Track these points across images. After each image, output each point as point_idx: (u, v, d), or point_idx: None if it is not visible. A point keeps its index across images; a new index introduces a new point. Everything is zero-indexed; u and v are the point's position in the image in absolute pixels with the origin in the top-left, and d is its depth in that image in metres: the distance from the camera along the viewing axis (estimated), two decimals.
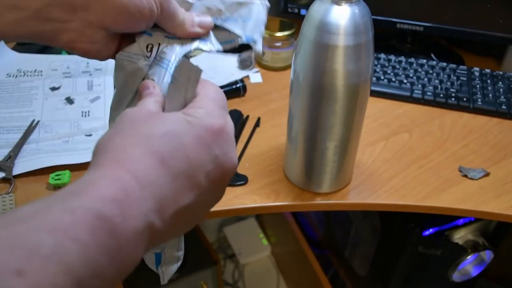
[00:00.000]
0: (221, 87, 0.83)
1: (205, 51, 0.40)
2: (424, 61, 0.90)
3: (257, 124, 0.77)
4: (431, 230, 0.77)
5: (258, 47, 0.41)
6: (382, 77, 0.86)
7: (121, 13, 0.35)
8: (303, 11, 1.00)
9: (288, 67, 0.94)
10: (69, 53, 0.92)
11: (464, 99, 0.82)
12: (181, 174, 0.29)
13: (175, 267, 0.43)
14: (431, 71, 0.88)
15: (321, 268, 1.11)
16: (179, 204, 0.29)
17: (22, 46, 0.91)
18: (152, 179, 0.27)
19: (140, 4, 0.35)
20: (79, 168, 0.66)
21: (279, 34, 0.90)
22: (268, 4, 0.42)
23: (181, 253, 0.43)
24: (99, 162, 0.28)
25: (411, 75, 0.87)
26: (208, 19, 0.40)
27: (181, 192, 0.29)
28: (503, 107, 0.80)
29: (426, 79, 0.86)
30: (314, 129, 0.56)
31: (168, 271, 0.43)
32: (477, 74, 0.88)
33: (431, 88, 0.84)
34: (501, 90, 0.84)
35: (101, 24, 0.36)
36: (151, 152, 0.28)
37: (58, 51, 0.92)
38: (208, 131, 0.31)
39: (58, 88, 0.78)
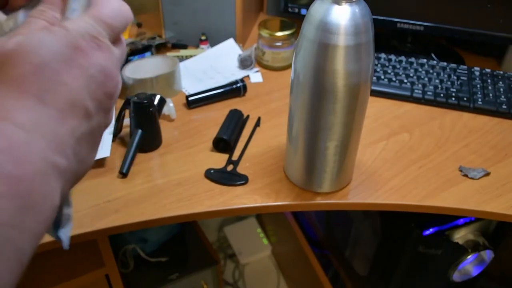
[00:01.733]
0: (222, 86, 0.83)
1: None
2: (425, 60, 0.90)
3: (257, 124, 0.77)
4: (431, 230, 0.77)
5: None
6: (383, 77, 0.86)
7: None
8: (303, 11, 1.00)
9: (289, 66, 0.94)
10: None
11: (465, 99, 0.82)
12: (65, 105, 0.27)
13: (70, 226, 0.40)
14: (431, 71, 0.88)
15: (321, 268, 1.11)
16: (76, 136, 0.28)
17: None
18: (35, 120, 0.26)
19: None
20: None
21: (279, 33, 0.90)
22: None
23: (70, 210, 0.40)
24: None
25: (411, 74, 0.87)
26: None
27: (73, 123, 0.28)
28: (504, 107, 0.80)
29: (426, 79, 0.86)
30: (315, 129, 0.56)
31: (66, 234, 0.40)
32: (477, 74, 0.88)
33: (431, 88, 0.84)
34: (501, 90, 0.84)
35: None
36: (25, 94, 0.26)
37: None
38: (77, 50, 0.28)
39: None
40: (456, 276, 0.81)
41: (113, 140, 0.72)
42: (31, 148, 0.25)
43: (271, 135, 0.74)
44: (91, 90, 0.29)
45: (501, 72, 0.88)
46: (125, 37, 1.01)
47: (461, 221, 0.78)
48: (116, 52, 0.31)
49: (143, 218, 0.59)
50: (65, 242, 0.34)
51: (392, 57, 0.91)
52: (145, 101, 0.68)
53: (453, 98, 0.82)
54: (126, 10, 0.32)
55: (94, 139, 0.30)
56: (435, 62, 0.90)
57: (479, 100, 0.82)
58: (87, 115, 0.29)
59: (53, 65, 0.27)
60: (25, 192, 0.24)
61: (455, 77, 0.87)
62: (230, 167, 0.67)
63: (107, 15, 0.30)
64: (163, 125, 0.76)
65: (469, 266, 0.80)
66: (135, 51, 0.92)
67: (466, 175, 0.67)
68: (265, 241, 1.51)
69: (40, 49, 0.27)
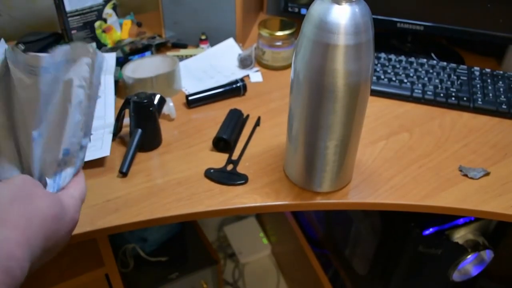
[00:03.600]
0: (221, 86, 0.83)
1: None
2: (425, 60, 0.90)
3: (257, 124, 0.77)
4: (431, 229, 0.77)
5: None
6: (383, 77, 0.86)
7: None
8: (303, 10, 1.00)
9: (289, 66, 0.94)
10: None
11: (465, 98, 0.82)
12: (41, 252, 0.37)
13: None
14: (431, 71, 0.88)
15: (321, 267, 1.11)
16: (35, 256, 0.36)
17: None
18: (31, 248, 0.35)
19: None
20: None
21: (279, 33, 0.90)
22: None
23: None
24: None
25: (411, 74, 0.87)
26: None
27: (38, 252, 0.36)
28: (503, 106, 0.80)
29: (426, 79, 0.86)
30: (315, 129, 0.56)
31: None
32: (477, 73, 0.88)
33: (431, 87, 0.84)
34: (501, 89, 0.84)
35: None
36: (28, 234, 0.35)
37: None
38: (72, 222, 0.41)
39: None
40: (456, 276, 0.81)
41: (113, 140, 0.72)
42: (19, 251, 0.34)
43: (271, 134, 0.74)
44: (52, 243, 0.39)
45: (501, 72, 0.88)
46: (125, 37, 1.01)
47: (461, 220, 0.78)
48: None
49: (143, 218, 0.59)
50: None
51: (392, 56, 0.91)
52: (145, 101, 0.68)
53: (453, 98, 0.82)
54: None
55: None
56: (435, 62, 0.90)
57: (479, 99, 0.82)
58: (46, 253, 0.38)
59: (51, 225, 0.38)
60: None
61: (455, 77, 0.87)
62: (230, 167, 0.67)
63: (83, 190, 0.45)
64: (163, 124, 0.76)
65: (469, 265, 0.80)
66: (135, 51, 0.92)
67: (466, 175, 0.67)
68: (265, 240, 1.51)
69: (54, 208, 0.39)
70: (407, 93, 0.84)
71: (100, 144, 0.68)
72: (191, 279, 1.08)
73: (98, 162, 0.67)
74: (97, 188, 0.63)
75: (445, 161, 0.70)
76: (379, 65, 0.90)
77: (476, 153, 0.72)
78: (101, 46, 0.96)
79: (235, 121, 0.74)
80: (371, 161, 0.69)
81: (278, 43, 0.91)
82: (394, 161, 0.70)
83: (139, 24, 1.08)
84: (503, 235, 0.85)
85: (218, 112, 0.79)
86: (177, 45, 1.00)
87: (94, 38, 0.94)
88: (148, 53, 0.93)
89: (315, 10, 0.50)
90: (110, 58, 0.84)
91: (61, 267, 0.71)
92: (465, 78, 0.87)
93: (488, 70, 0.89)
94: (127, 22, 1.03)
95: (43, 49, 0.90)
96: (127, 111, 0.71)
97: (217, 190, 0.63)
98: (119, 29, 0.99)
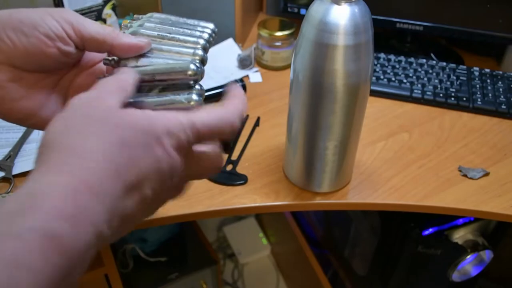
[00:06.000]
0: (221, 86, 0.83)
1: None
2: (424, 60, 0.90)
3: (256, 124, 0.77)
4: (430, 229, 0.77)
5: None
6: (382, 77, 0.86)
7: (27, 35, 0.33)
8: (302, 11, 1.00)
9: (288, 66, 0.94)
10: None
11: (464, 98, 0.82)
12: (132, 187, 0.28)
13: None
14: (430, 71, 0.88)
15: (320, 267, 1.11)
16: (126, 213, 0.29)
17: None
18: (107, 191, 0.27)
19: (47, 29, 0.34)
20: None
21: (278, 33, 0.90)
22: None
23: None
24: (48, 162, 0.26)
25: (410, 74, 0.87)
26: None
27: (129, 203, 0.29)
28: (503, 106, 0.80)
29: (425, 79, 0.86)
30: (314, 129, 0.56)
31: None
32: (476, 73, 0.88)
33: (430, 87, 0.84)
34: (500, 89, 0.84)
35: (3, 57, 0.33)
36: (108, 161, 0.27)
37: None
38: (158, 143, 0.30)
39: None
40: (456, 276, 0.81)
41: None
42: (92, 219, 0.25)
43: (270, 135, 0.74)
44: (155, 184, 0.30)
45: (501, 72, 0.88)
46: None
47: (461, 221, 0.78)
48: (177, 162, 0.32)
49: None
50: None
51: (392, 57, 0.91)
52: None
53: (453, 98, 0.82)
54: (225, 122, 0.36)
55: (134, 220, 0.31)
56: (434, 62, 0.90)
57: (479, 100, 0.82)
58: (143, 202, 0.30)
59: (139, 151, 0.29)
60: (71, 263, 0.24)
61: (454, 77, 0.87)
62: (229, 167, 0.67)
63: (203, 124, 0.33)
64: None
65: (469, 266, 0.80)
66: None
67: (465, 175, 0.67)
68: (264, 241, 1.51)
69: (137, 132, 0.29)
70: (407, 93, 0.84)
71: None
72: (191, 280, 1.08)
73: None
74: None
75: (444, 161, 0.70)
76: (378, 65, 0.90)
77: (475, 153, 0.72)
78: None
79: None
80: (370, 161, 0.69)
81: (278, 44, 0.91)
82: (393, 161, 0.70)
83: None
84: (502, 235, 0.85)
85: None
86: None
87: None
88: None
89: (315, 10, 0.50)
90: None
91: None
92: (464, 78, 0.87)
93: (487, 70, 0.89)
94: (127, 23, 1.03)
95: None
96: None
97: (216, 190, 0.63)
98: (118, 29, 0.99)
